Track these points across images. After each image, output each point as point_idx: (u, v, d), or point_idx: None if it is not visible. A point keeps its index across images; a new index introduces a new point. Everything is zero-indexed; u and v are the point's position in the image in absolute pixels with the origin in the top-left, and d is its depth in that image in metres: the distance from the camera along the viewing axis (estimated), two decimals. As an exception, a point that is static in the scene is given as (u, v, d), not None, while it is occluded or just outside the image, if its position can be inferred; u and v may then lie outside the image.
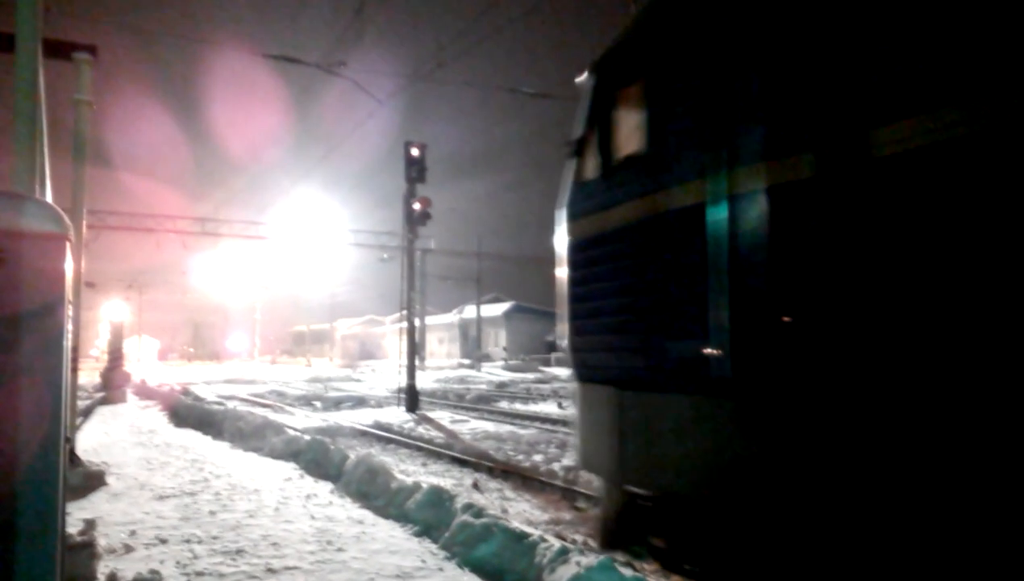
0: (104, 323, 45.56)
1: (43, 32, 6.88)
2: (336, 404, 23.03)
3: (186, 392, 24.06)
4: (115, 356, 24.79)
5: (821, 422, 3.72)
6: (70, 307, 2.89)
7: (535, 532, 5.49)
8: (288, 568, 5.34)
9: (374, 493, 7.59)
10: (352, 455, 9.14)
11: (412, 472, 10.50)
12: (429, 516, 6.44)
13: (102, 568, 5.25)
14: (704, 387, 4.34)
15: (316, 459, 9.63)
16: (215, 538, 6.19)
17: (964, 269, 3.20)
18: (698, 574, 4.73)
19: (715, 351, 4.27)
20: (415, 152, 20.64)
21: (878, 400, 3.48)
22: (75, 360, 9.35)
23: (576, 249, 5.72)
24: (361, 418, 18.25)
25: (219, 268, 72.65)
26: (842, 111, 3.64)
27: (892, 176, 3.41)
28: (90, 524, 6.40)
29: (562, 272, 5.89)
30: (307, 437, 11.08)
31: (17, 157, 6.00)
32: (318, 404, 23.28)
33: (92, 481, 8.44)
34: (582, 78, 5.87)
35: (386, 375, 42.54)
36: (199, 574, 5.22)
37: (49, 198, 6.83)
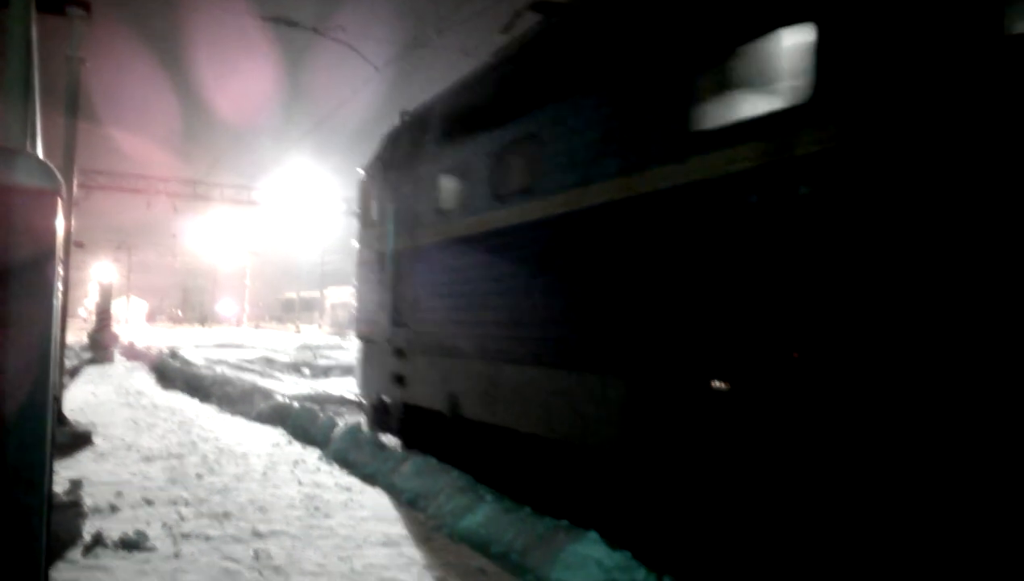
0: (93, 283, 45.31)
1: (36, -15, 6.75)
2: (325, 372, 23.03)
3: (174, 355, 24.01)
4: (103, 317, 24.71)
5: (415, 357, 8.09)
6: (60, 265, 2.85)
7: (524, 506, 5.52)
8: (275, 532, 5.36)
9: (362, 461, 7.61)
10: (340, 422, 9.16)
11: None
12: (417, 485, 6.46)
13: (88, 527, 5.24)
14: (385, 341, 8.88)
15: (304, 425, 9.65)
16: (202, 501, 6.20)
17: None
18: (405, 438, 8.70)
19: (386, 324, 8.85)
20: (410, 121, 20.42)
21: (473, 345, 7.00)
22: (63, 319, 9.29)
23: (358, 265, 10.42)
24: (350, 386, 18.26)
25: (209, 232, 72.27)
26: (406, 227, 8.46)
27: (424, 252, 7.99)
28: (76, 484, 6.40)
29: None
30: (296, 403, 11.09)
31: (9, 113, 5.90)
32: (307, 371, 23.28)
33: (79, 441, 8.44)
34: (359, 170, 10.44)
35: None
36: (185, 536, 5.22)
37: (40, 155, 6.73)
